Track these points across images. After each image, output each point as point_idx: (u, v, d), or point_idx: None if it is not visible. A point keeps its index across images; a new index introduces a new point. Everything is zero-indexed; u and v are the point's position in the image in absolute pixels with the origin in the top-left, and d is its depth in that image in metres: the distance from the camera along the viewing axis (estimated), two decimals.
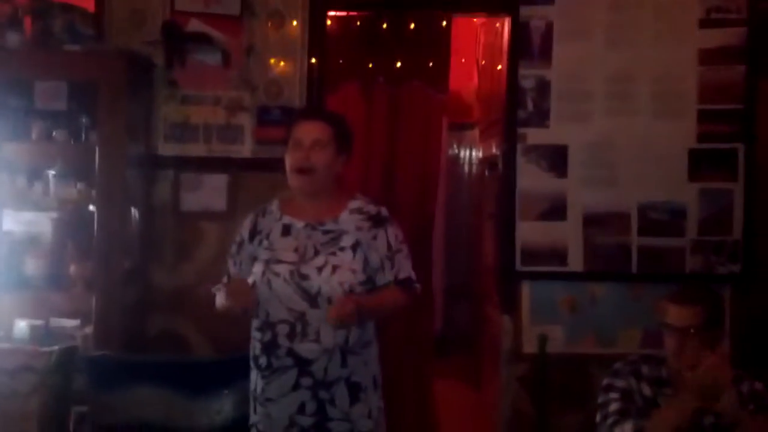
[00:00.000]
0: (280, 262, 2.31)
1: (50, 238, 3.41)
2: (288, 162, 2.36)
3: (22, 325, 3.31)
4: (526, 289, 3.46)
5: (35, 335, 3.28)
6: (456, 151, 6.39)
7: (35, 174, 3.30)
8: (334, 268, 2.28)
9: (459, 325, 5.87)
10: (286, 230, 2.37)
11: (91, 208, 3.21)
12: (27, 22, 3.29)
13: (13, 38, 3.21)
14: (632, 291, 3.41)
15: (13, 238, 3.34)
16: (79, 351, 2.87)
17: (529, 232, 3.44)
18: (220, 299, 2.38)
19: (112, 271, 3.17)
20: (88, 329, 3.24)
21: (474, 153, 6.08)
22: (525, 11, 3.42)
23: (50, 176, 3.28)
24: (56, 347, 2.75)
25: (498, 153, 3.97)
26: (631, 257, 3.41)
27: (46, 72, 3.24)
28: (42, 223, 3.41)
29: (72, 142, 3.29)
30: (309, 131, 2.34)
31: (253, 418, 2.37)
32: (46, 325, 3.33)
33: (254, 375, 2.36)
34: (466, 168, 6.38)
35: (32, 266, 3.31)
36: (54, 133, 3.27)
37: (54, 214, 3.38)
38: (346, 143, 2.40)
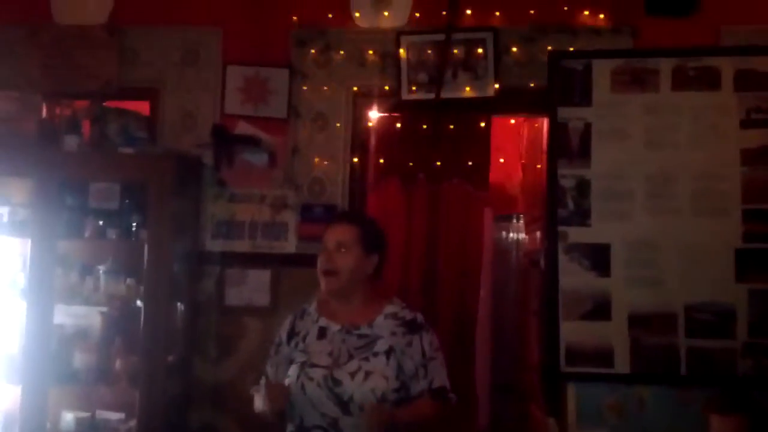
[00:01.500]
0: (314, 366, 2.31)
1: (98, 333, 3.50)
2: (317, 265, 2.41)
3: (68, 418, 3.38)
4: (571, 391, 3.36)
5: (81, 428, 3.36)
6: (503, 242, 6.37)
7: (87, 270, 3.44)
8: (367, 374, 2.27)
9: (506, 423, 5.71)
10: (322, 333, 2.39)
11: (139, 303, 3.30)
12: (85, 125, 3.48)
13: (71, 141, 3.41)
14: (681, 394, 3.28)
15: (64, 332, 3.44)
16: None
17: (573, 332, 3.38)
18: (259, 401, 2.39)
19: (156, 365, 3.24)
20: (132, 423, 3.29)
21: (520, 245, 6.05)
22: (563, 112, 3.46)
23: (101, 272, 3.40)
24: None
25: (540, 250, 3.95)
26: (679, 359, 3.29)
27: (100, 173, 3.40)
28: (92, 317, 3.52)
29: (123, 240, 3.41)
30: (333, 234, 2.40)
31: None
32: (92, 418, 3.41)
33: None
34: (513, 259, 6.34)
35: (80, 360, 3.40)
36: (106, 231, 3.40)
37: (103, 309, 3.48)
38: (375, 243, 2.42)
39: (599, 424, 3.32)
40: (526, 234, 5.28)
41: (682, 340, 3.31)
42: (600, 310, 3.37)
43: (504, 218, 6.08)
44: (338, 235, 2.39)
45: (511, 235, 6.38)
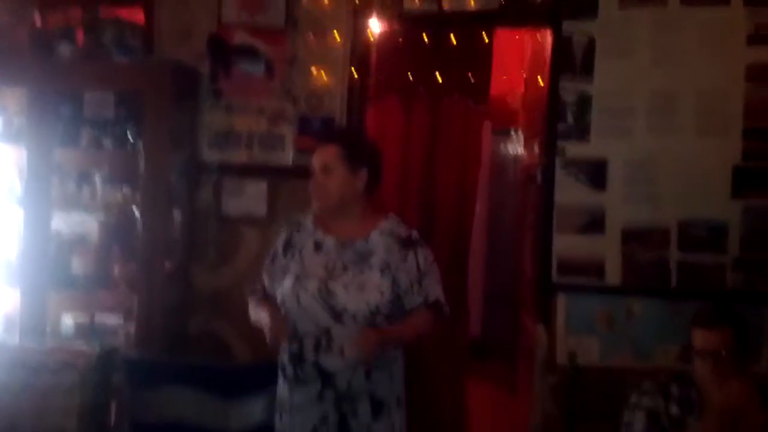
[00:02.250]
0: (309, 277, 2.36)
1: (96, 239, 3.54)
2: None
3: (68, 321, 3.47)
4: (561, 300, 3.44)
5: (81, 331, 3.44)
6: (501, 156, 6.37)
7: (84, 178, 3.45)
8: (361, 286, 2.32)
9: (498, 331, 5.86)
10: (318, 246, 2.42)
11: (136, 210, 3.33)
12: (79, 34, 3.42)
13: (65, 50, 3.35)
14: (671, 307, 3.35)
15: (62, 238, 3.48)
16: (119, 351, 2.97)
17: (566, 244, 3.42)
18: (255, 311, 2.44)
19: (154, 272, 3.29)
20: (131, 327, 3.36)
21: (519, 159, 6.05)
22: (568, 26, 3.39)
23: (98, 180, 3.41)
24: (98, 347, 2.86)
25: (538, 164, 3.95)
26: (670, 272, 3.35)
27: (95, 83, 3.37)
28: (89, 224, 3.55)
29: (119, 149, 3.41)
30: (318, 157, 2.41)
31: (279, 425, 2.43)
32: (91, 322, 3.48)
33: (281, 383, 2.42)
34: (511, 174, 6.35)
35: (78, 265, 3.45)
36: (102, 141, 3.39)
37: (100, 217, 3.51)
38: (361, 158, 2.41)
39: (588, 333, 3.41)
40: (524, 149, 5.27)
41: (674, 253, 3.36)
42: (594, 224, 3.40)
43: (503, 132, 6.07)
44: (322, 157, 2.39)
45: (509, 149, 6.38)
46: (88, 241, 3.53)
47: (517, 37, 4.55)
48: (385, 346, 2.29)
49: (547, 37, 3.66)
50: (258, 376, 2.53)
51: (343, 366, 2.29)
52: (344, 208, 2.41)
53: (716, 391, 2.14)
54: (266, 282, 2.51)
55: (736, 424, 2.07)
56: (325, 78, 3.60)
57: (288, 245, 2.48)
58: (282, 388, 2.42)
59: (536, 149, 4.30)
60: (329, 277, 2.34)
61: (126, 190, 3.40)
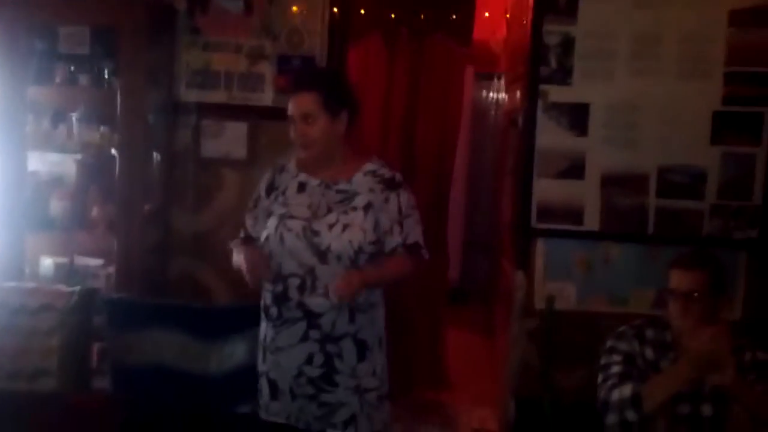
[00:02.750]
0: (293, 217, 2.35)
1: (74, 180, 3.49)
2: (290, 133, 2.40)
3: (47, 263, 3.43)
4: (540, 245, 3.47)
5: (60, 273, 3.40)
6: (483, 101, 6.34)
7: (59, 117, 3.37)
8: (345, 226, 2.31)
9: (477, 277, 5.93)
10: (302, 187, 2.41)
11: (114, 151, 3.27)
12: None
13: None
14: (648, 252, 3.40)
15: (38, 179, 3.43)
16: (99, 292, 2.96)
17: (546, 189, 3.43)
18: (237, 256, 2.43)
19: (133, 213, 3.25)
20: (111, 269, 3.35)
21: (500, 104, 6.03)
22: None
23: (74, 119, 3.34)
24: (77, 288, 2.84)
25: (520, 108, 3.93)
26: (648, 218, 3.39)
27: (70, 16, 3.26)
28: (66, 164, 3.49)
29: (95, 87, 3.33)
30: (297, 105, 2.35)
31: (263, 367, 2.44)
32: (70, 264, 3.45)
33: (264, 324, 2.43)
34: (493, 119, 6.34)
35: (56, 206, 3.40)
36: (78, 77, 3.31)
37: (78, 156, 3.45)
38: (341, 104, 2.38)
39: (565, 278, 3.45)
40: (506, 93, 5.24)
41: (652, 200, 3.38)
42: (574, 169, 3.41)
43: (485, 76, 6.03)
44: (302, 106, 2.34)
45: (491, 94, 6.35)
46: (66, 182, 3.48)
47: None
48: (366, 286, 2.30)
49: None
50: (239, 318, 2.54)
51: (328, 305, 2.30)
52: (327, 154, 2.39)
53: (690, 334, 2.18)
54: (249, 225, 2.50)
55: (709, 368, 2.11)
56: (305, 15, 3.52)
57: (271, 187, 2.46)
58: (265, 329, 2.42)
59: (518, 94, 4.28)
60: (313, 217, 2.34)
61: (103, 129, 3.33)
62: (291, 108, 2.37)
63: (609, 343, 2.39)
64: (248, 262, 2.31)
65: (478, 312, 5.40)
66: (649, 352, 2.33)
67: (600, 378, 2.36)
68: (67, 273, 3.41)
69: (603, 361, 2.37)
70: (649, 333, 2.36)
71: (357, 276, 2.27)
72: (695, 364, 2.13)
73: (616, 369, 2.30)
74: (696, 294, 2.25)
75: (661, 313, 2.42)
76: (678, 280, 2.28)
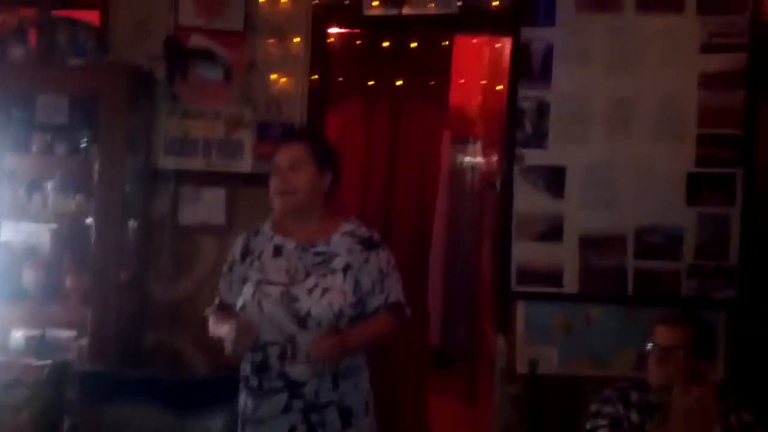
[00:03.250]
0: (270, 283, 2.31)
1: (48, 250, 3.44)
2: (270, 187, 2.37)
3: (18, 336, 3.33)
4: (520, 309, 3.46)
5: (31, 346, 3.30)
6: (460, 164, 6.40)
7: (35, 186, 3.34)
8: (324, 290, 2.28)
9: (458, 339, 5.87)
10: (278, 251, 2.37)
11: (89, 220, 3.24)
12: (31, 35, 3.32)
13: (17, 51, 3.25)
14: (628, 313, 3.40)
15: (11, 249, 3.37)
16: (71, 365, 2.88)
17: (525, 252, 3.44)
18: (214, 325, 2.38)
19: (108, 283, 3.20)
20: (84, 341, 3.26)
21: (476, 168, 6.09)
22: (526, 33, 3.43)
23: (49, 188, 3.31)
24: (49, 361, 2.77)
25: (497, 172, 3.97)
26: (627, 280, 3.40)
27: (48, 85, 3.26)
28: (40, 234, 3.44)
29: (72, 155, 3.32)
30: (286, 154, 2.35)
31: None
32: (42, 336, 3.35)
33: (244, 395, 2.36)
34: (470, 182, 6.39)
35: (29, 277, 3.34)
36: (54, 146, 3.30)
37: (52, 226, 3.41)
38: (328, 161, 2.39)
39: (547, 341, 3.43)
40: (483, 157, 5.30)
41: (631, 261, 3.40)
42: (552, 231, 3.44)
43: (461, 141, 6.11)
44: (291, 153, 2.34)
45: (467, 158, 6.42)
46: (39, 252, 3.42)
47: (474, 41, 4.58)
48: (347, 349, 2.24)
49: (506, 44, 3.69)
50: (217, 389, 2.47)
51: (311, 374, 2.24)
52: (307, 210, 2.37)
53: (677, 395, 2.15)
54: (223, 292, 2.46)
55: (697, 430, 2.08)
56: (284, 82, 3.56)
57: (246, 251, 2.42)
58: (245, 400, 2.36)
59: (495, 158, 4.33)
60: (292, 282, 2.30)
61: (79, 198, 3.30)
62: (278, 158, 2.35)
63: (594, 408, 2.36)
64: (236, 330, 2.22)
65: (461, 377, 5.32)
66: (634, 416, 2.30)
67: None
68: (38, 345, 3.31)
69: (588, 425, 2.33)
70: (634, 396, 2.33)
71: (337, 337, 2.21)
72: (683, 426, 2.10)
73: None
74: (674, 349, 2.24)
75: (644, 376, 2.40)
76: (660, 334, 2.29)
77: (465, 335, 5.67)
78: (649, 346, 2.30)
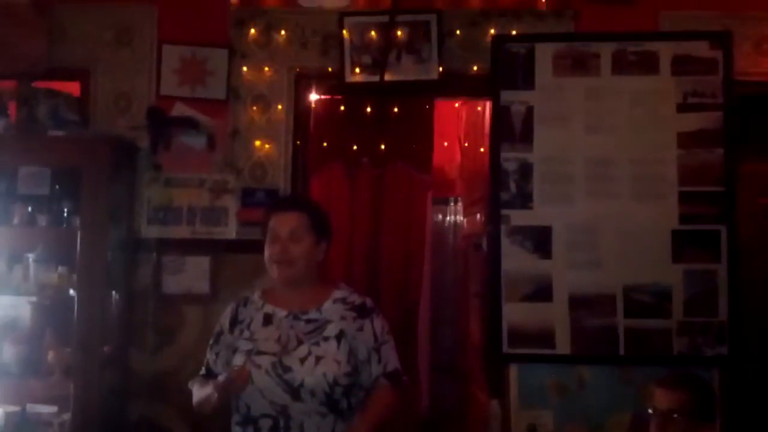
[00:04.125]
0: (261, 353, 2.26)
1: (29, 323, 3.36)
2: (266, 253, 2.34)
3: None
4: (513, 372, 3.41)
5: (11, 422, 3.21)
6: (440, 224, 6.41)
7: (16, 258, 3.29)
8: (318, 359, 2.24)
9: (446, 403, 5.76)
10: (268, 319, 2.33)
11: (72, 292, 3.17)
12: (11, 107, 3.31)
13: None
14: (620, 374, 3.36)
15: None
16: None
17: (515, 313, 3.42)
18: (198, 394, 2.32)
19: (91, 356, 3.13)
20: (66, 416, 3.18)
21: (458, 227, 6.10)
22: (506, 96, 3.47)
23: (30, 260, 3.26)
24: None
25: (482, 232, 3.98)
26: (618, 339, 3.37)
27: (29, 157, 3.25)
28: (21, 307, 3.37)
29: (54, 227, 3.27)
30: (285, 222, 2.33)
31: None
32: (22, 412, 3.27)
33: None
34: (451, 241, 6.38)
35: (9, 352, 3.26)
36: (36, 218, 3.25)
37: (33, 299, 3.34)
38: (324, 231, 2.39)
39: (541, 404, 3.38)
40: (464, 216, 5.32)
41: (621, 320, 3.38)
42: (542, 291, 3.41)
43: (441, 201, 6.12)
44: (291, 223, 2.33)
45: (448, 217, 6.43)
46: (20, 326, 3.34)
47: (457, 105, 4.64)
48: None
49: (486, 107, 3.74)
50: None
51: None
52: (303, 279, 2.34)
53: None
54: (210, 361, 2.39)
55: None
56: (267, 149, 3.57)
57: (234, 321, 2.38)
58: None
59: (477, 217, 4.34)
60: (283, 352, 2.25)
61: (61, 269, 3.24)
62: (276, 225, 2.33)
63: None
64: (231, 372, 2.19)
65: None
66: None
67: None
68: (19, 422, 3.22)
69: None
70: None
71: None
72: None
73: None
74: (675, 414, 2.21)
75: None
76: (659, 398, 2.26)
77: (453, 399, 5.57)
78: (650, 410, 2.27)
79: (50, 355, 3.21)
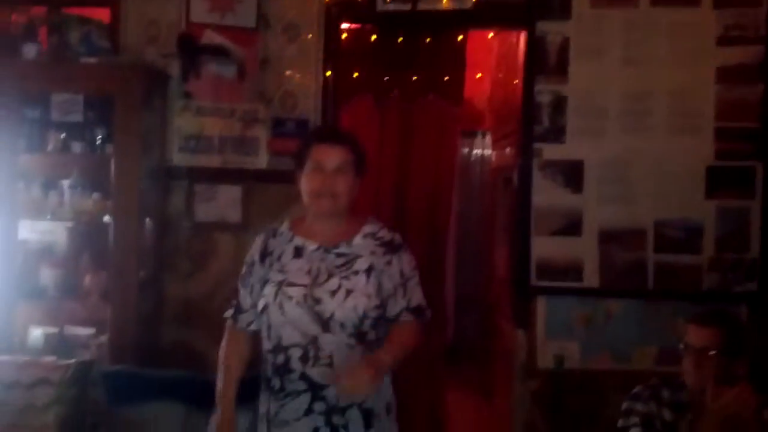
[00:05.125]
0: (292, 284, 2.27)
1: (65, 248, 3.43)
2: (308, 185, 2.31)
3: (36, 334, 3.33)
4: (541, 304, 3.44)
5: (50, 343, 3.31)
6: (467, 158, 6.38)
7: (51, 184, 3.33)
8: (348, 292, 2.25)
9: (470, 335, 5.86)
10: (298, 252, 2.33)
11: (106, 218, 3.22)
12: (43, 34, 3.30)
13: (29, 50, 3.23)
14: (648, 308, 3.39)
15: (29, 248, 3.36)
16: (95, 364, 2.86)
17: (544, 247, 3.43)
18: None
19: (126, 281, 3.19)
20: (103, 338, 3.27)
21: (486, 160, 6.06)
22: (542, 26, 3.41)
23: (65, 187, 3.30)
24: (73, 360, 2.75)
25: (511, 166, 3.95)
26: (647, 274, 3.39)
27: (62, 84, 3.25)
28: (57, 232, 3.44)
29: (88, 154, 3.30)
30: (332, 156, 2.30)
31: None
32: (60, 334, 3.36)
33: (266, 397, 2.33)
34: (478, 175, 6.36)
35: (47, 275, 3.33)
36: (70, 145, 3.28)
37: (69, 224, 3.40)
38: (363, 167, 2.38)
39: (567, 336, 3.42)
40: (493, 150, 5.28)
41: (651, 255, 3.39)
42: (571, 226, 3.42)
43: (469, 134, 6.08)
44: (339, 156, 2.30)
45: (475, 150, 6.40)
46: (57, 250, 3.41)
47: (490, 36, 4.55)
48: (384, 372, 2.22)
49: (520, 38, 3.67)
50: (240, 390, 2.44)
51: (333, 375, 2.22)
52: (341, 213, 2.35)
53: (712, 395, 2.14)
54: (242, 296, 2.40)
55: (732, 430, 2.07)
56: (298, 79, 3.54)
57: (265, 253, 2.38)
58: (266, 402, 2.32)
59: (507, 151, 4.31)
60: (314, 284, 2.26)
61: (96, 196, 3.28)
62: (322, 158, 2.28)
63: (625, 405, 2.34)
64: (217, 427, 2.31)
65: (472, 371, 5.32)
66: (667, 414, 2.29)
67: None
68: (57, 343, 3.31)
69: (620, 423, 2.32)
70: (665, 393, 2.32)
71: (373, 367, 2.14)
72: (718, 427, 2.08)
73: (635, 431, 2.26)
74: (710, 351, 2.23)
75: (668, 371, 2.39)
76: (693, 335, 2.26)
77: (478, 330, 5.65)
78: (681, 346, 2.28)
79: (87, 279, 3.29)
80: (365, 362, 2.16)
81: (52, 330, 3.33)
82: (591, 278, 3.40)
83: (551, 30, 3.41)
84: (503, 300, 4.21)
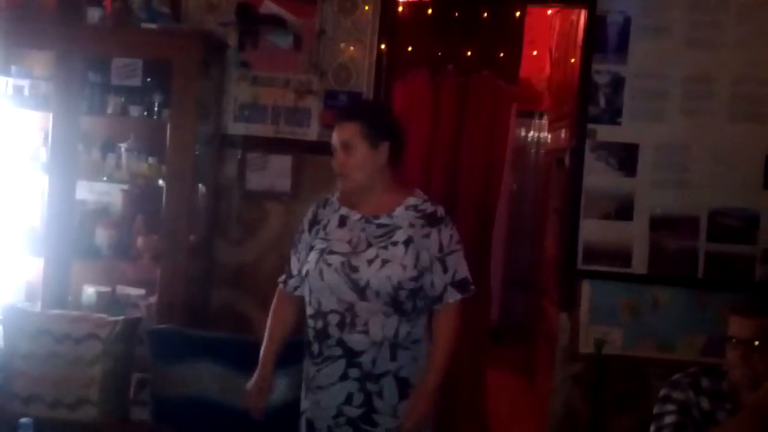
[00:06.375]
0: (333, 252, 2.32)
1: (120, 210, 3.52)
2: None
3: (90, 292, 3.44)
4: (586, 288, 3.41)
5: (102, 302, 3.41)
6: (523, 139, 6.31)
7: (109, 147, 3.41)
8: (384, 262, 2.27)
9: (516, 316, 5.84)
10: (342, 222, 2.38)
11: (161, 182, 3.30)
12: None
13: (93, 14, 3.31)
14: (697, 297, 3.32)
15: (85, 208, 3.46)
16: (143, 322, 2.95)
17: (593, 230, 3.39)
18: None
19: (178, 244, 3.26)
20: (153, 299, 3.35)
21: (542, 142, 5.99)
22: (602, 4, 3.34)
23: (123, 150, 3.38)
24: (122, 317, 2.84)
25: (566, 147, 3.90)
26: (698, 262, 3.32)
27: (123, 49, 3.32)
28: (113, 194, 3.53)
29: (145, 118, 3.37)
30: (337, 135, 2.35)
31: (304, 405, 2.40)
32: (112, 293, 3.47)
33: (307, 361, 2.39)
34: (533, 157, 6.30)
35: (102, 235, 3.42)
36: (129, 109, 3.36)
37: (125, 187, 3.49)
38: (382, 132, 2.35)
39: (611, 321, 3.38)
40: (549, 131, 5.21)
41: (703, 243, 3.32)
42: (622, 210, 3.37)
43: (525, 114, 6.01)
44: (341, 134, 2.34)
45: (531, 132, 6.32)
46: (112, 212, 3.51)
47: (549, 13, 4.46)
48: (436, 398, 2.35)
49: (581, 16, 3.59)
50: (283, 353, 2.50)
51: (369, 343, 2.26)
52: (367, 186, 2.36)
53: (752, 387, 2.09)
54: (292, 261, 2.48)
55: None
56: (352, 51, 3.54)
57: (313, 221, 2.44)
58: (307, 365, 2.39)
59: (562, 133, 4.25)
60: (353, 252, 2.30)
61: (151, 160, 3.36)
62: (333, 137, 2.37)
63: (663, 392, 2.30)
64: (251, 386, 2.42)
65: (516, 352, 5.30)
66: (705, 403, 2.24)
67: (653, 427, 2.26)
68: (109, 302, 3.42)
69: (656, 410, 2.28)
70: (705, 382, 2.27)
71: (426, 403, 2.32)
72: (758, 419, 2.03)
73: (670, 419, 2.21)
74: (757, 342, 2.16)
75: (715, 362, 2.34)
76: (738, 327, 2.20)
77: (522, 310, 5.63)
78: (728, 338, 2.22)
79: (140, 241, 3.37)
80: (416, 398, 2.31)
81: (105, 289, 3.44)
82: (639, 264, 3.34)
83: (613, 8, 3.34)
84: (550, 283, 4.18)
